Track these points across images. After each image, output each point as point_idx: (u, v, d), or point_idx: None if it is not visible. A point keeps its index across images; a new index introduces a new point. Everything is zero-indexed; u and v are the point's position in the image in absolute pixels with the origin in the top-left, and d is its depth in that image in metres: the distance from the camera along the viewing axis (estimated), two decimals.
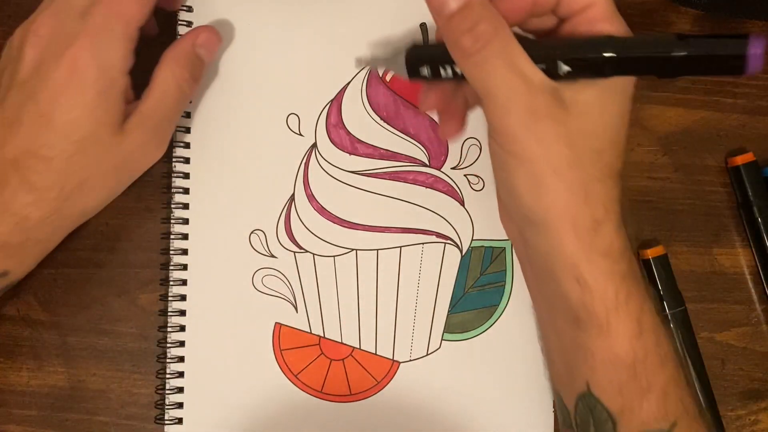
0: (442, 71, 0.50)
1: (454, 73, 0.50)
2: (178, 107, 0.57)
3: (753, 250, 0.65)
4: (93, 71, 0.51)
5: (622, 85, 0.47)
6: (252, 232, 0.61)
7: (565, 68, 0.46)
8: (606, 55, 0.45)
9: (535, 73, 0.46)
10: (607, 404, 0.49)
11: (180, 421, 0.61)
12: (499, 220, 0.58)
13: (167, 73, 0.55)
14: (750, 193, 0.64)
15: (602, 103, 0.46)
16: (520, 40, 0.46)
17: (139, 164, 0.57)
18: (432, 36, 0.62)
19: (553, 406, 0.62)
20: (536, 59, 0.46)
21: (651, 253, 0.63)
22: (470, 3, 0.47)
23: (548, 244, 0.48)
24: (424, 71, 0.52)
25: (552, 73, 0.46)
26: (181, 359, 0.61)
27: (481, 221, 0.63)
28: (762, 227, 0.63)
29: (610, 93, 0.47)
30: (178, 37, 0.59)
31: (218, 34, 0.59)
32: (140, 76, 0.55)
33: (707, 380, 0.63)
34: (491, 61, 0.46)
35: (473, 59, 0.46)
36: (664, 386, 0.49)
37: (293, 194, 0.62)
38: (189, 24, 0.61)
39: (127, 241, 0.62)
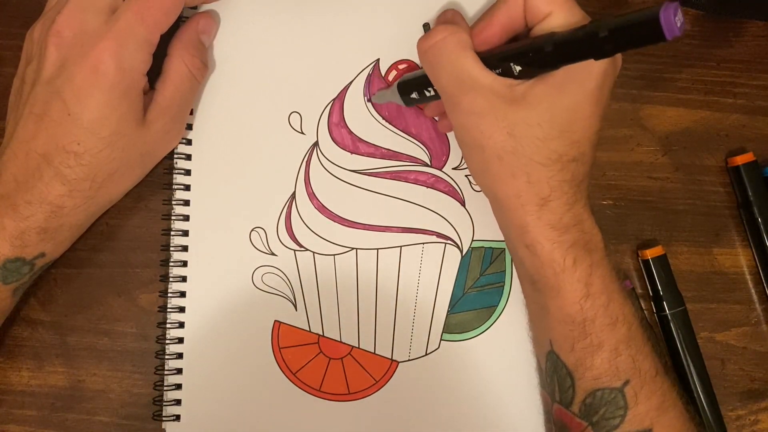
0: (426, 92, 0.57)
1: (435, 91, 0.57)
2: (192, 94, 0.59)
3: (753, 250, 0.65)
4: (115, 73, 0.53)
5: (577, 80, 0.51)
6: (252, 230, 0.61)
7: (517, 68, 0.51)
8: (546, 50, 0.49)
9: (485, 75, 0.52)
10: (564, 360, 0.55)
11: (178, 417, 0.61)
12: None
13: (180, 63, 0.57)
14: (750, 193, 0.64)
15: (551, 96, 0.51)
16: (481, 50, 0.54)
17: (162, 151, 0.59)
18: None
19: None
20: (494, 64, 0.52)
21: (650, 253, 0.63)
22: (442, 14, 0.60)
23: (502, 216, 0.56)
24: (414, 95, 0.59)
25: (509, 73, 0.52)
26: (180, 356, 0.61)
27: (482, 222, 0.63)
28: (762, 227, 0.63)
29: (562, 87, 0.51)
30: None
31: (215, 18, 0.61)
32: None
33: (708, 380, 0.63)
34: (441, 62, 0.53)
35: (425, 57, 0.54)
36: (614, 345, 0.53)
37: (294, 192, 0.62)
38: None
39: (127, 241, 0.62)
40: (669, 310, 0.63)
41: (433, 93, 0.57)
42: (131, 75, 0.53)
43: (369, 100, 0.63)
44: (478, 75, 0.52)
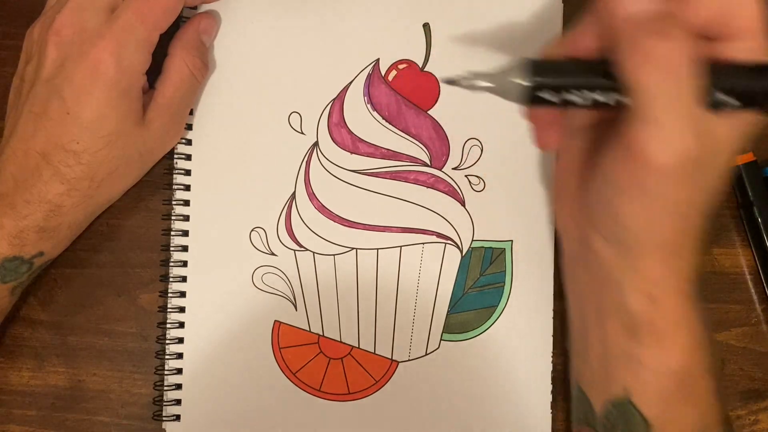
0: (576, 97, 0.40)
1: (595, 101, 0.42)
2: (192, 94, 0.59)
3: (753, 250, 0.64)
4: (114, 73, 0.53)
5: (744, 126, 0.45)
6: (252, 230, 0.61)
7: (731, 102, 0.40)
8: None
9: (713, 118, 0.43)
10: (646, 412, 0.50)
11: (178, 417, 0.61)
12: (500, 220, 0.61)
13: (180, 63, 0.57)
14: (750, 193, 0.63)
15: (732, 140, 0.44)
16: None
17: (161, 150, 0.59)
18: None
19: (551, 408, 0.62)
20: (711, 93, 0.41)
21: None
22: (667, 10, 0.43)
23: (628, 262, 0.48)
24: (547, 96, 0.41)
25: (715, 106, 0.41)
26: (180, 356, 0.61)
27: (482, 222, 0.63)
28: (762, 227, 0.63)
29: (739, 130, 0.44)
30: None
31: (216, 18, 0.61)
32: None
33: None
34: (668, 80, 0.41)
35: (650, 66, 0.41)
36: (706, 398, 0.50)
37: (294, 192, 0.62)
38: None
39: (127, 241, 0.62)
40: None
41: (588, 100, 0.41)
42: (130, 74, 0.54)
43: (451, 82, 0.46)
44: (710, 117, 0.42)
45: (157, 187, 0.62)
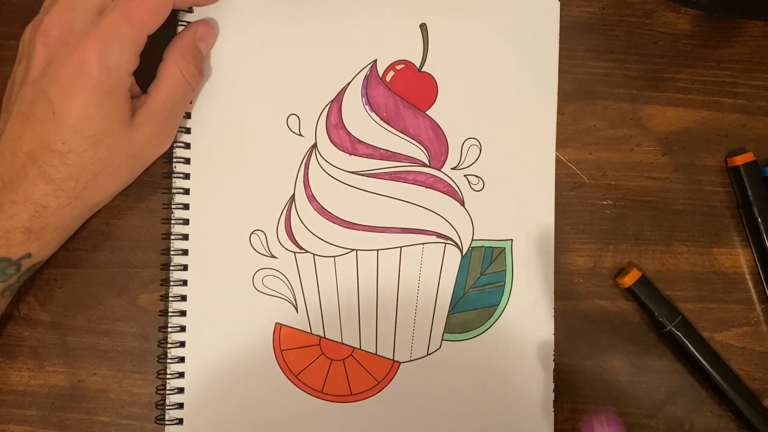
0: None
1: None
2: (185, 100, 0.59)
3: (753, 250, 0.65)
4: (99, 72, 0.52)
5: None
6: (252, 233, 0.61)
7: None
8: None
9: None
10: None
11: (180, 421, 0.61)
12: (500, 219, 0.61)
13: (174, 68, 0.57)
14: (750, 193, 0.63)
15: None
16: None
17: (150, 155, 0.59)
18: (432, 38, 0.62)
19: (554, 407, 0.62)
20: None
21: (628, 280, 0.63)
22: None
23: None
24: None
25: None
26: (182, 360, 0.61)
27: (481, 221, 0.63)
28: (762, 227, 0.63)
29: None
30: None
31: (214, 27, 0.61)
32: (140, 67, 0.56)
33: (734, 375, 0.63)
34: None
35: None
36: None
37: (293, 195, 0.62)
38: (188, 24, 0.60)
39: (127, 241, 0.62)
40: (669, 324, 0.63)
41: None
42: (116, 74, 0.53)
43: None
44: None
45: (157, 187, 0.62)
